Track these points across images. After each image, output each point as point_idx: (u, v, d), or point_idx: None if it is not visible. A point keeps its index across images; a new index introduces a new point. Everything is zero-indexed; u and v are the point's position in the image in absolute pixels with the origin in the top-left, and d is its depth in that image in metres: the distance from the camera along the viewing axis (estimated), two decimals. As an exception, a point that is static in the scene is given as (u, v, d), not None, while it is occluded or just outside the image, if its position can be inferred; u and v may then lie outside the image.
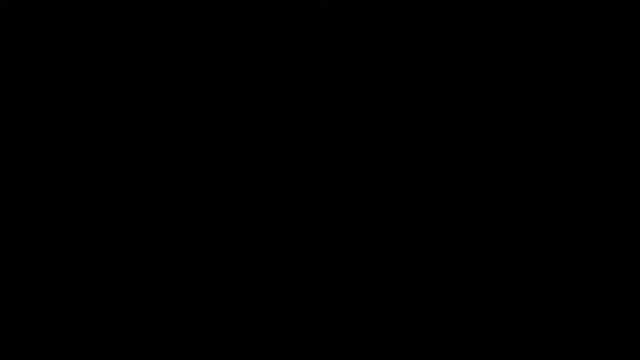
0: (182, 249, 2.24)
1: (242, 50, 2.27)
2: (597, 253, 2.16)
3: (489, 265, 2.18)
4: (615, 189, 2.16)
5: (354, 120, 2.24)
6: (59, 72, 2.26)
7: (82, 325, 2.20)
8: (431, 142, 2.22)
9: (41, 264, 2.22)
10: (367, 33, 2.24)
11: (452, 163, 2.21)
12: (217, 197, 2.26)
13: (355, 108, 2.24)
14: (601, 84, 2.17)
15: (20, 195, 2.24)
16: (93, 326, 2.20)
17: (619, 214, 2.15)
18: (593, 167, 2.17)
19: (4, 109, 2.24)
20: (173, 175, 2.25)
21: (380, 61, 2.24)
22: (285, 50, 2.26)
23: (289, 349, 2.19)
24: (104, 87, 2.27)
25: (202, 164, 2.26)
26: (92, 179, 2.24)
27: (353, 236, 2.22)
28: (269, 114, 2.26)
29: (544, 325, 2.15)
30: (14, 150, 2.24)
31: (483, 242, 2.19)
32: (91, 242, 2.22)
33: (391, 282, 2.20)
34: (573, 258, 2.16)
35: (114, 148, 2.26)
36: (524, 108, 2.20)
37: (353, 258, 2.22)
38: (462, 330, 2.17)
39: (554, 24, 2.19)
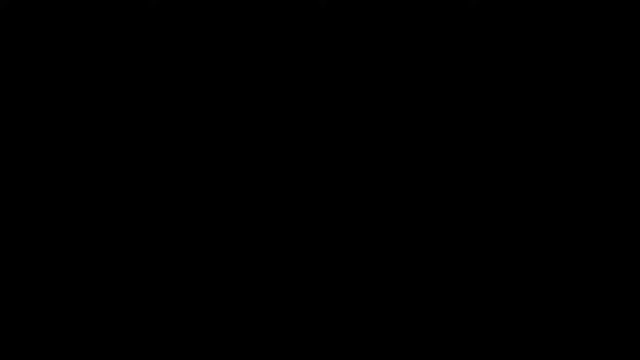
0: (181, 248, 2.24)
1: (242, 50, 2.27)
2: (597, 253, 2.16)
3: (489, 265, 2.18)
4: (615, 189, 2.16)
5: (354, 119, 2.24)
6: (59, 72, 2.26)
7: (80, 325, 2.21)
8: (431, 141, 2.22)
9: (40, 264, 2.22)
10: (367, 33, 2.24)
11: (452, 162, 2.21)
12: (217, 196, 2.26)
13: (355, 108, 2.24)
14: (601, 83, 2.17)
15: (20, 195, 2.24)
16: (91, 326, 2.21)
17: (619, 213, 2.15)
18: (593, 166, 2.17)
19: (4, 108, 2.24)
20: (173, 175, 2.25)
21: (380, 61, 2.24)
22: (285, 50, 2.26)
23: (289, 349, 2.19)
24: (104, 86, 2.27)
25: (202, 164, 2.26)
26: (93, 179, 2.24)
27: (351, 235, 2.22)
28: (269, 113, 2.26)
29: (544, 325, 2.15)
30: (14, 150, 2.24)
31: (483, 242, 2.19)
32: (89, 242, 2.23)
33: (391, 282, 2.20)
34: (573, 258, 2.16)
35: (114, 147, 2.26)
36: (523, 108, 2.20)
37: (352, 258, 2.22)
38: (462, 330, 2.17)
39: (554, 24, 2.19)
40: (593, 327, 2.13)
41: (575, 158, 2.17)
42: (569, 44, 2.18)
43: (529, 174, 2.18)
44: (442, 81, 2.22)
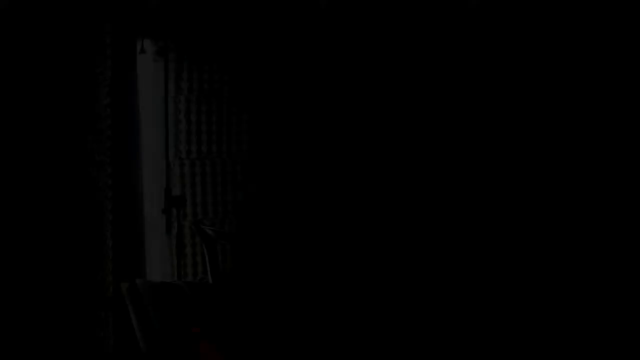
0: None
1: (243, 50, 2.27)
2: (597, 253, 2.16)
3: (488, 265, 2.19)
4: (615, 189, 2.16)
5: (354, 118, 2.24)
6: (59, 71, 2.26)
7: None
8: (431, 140, 2.22)
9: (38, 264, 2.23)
10: (367, 33, 2.24)
11: (452, 161, 2.21)
12: (215, 195, 2.26)
13: (354, 107, 2.24)
14: (600, 83, 2.17)
15: (21, 196, 2.24)
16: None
17: (619, 213, 2.16)
18: (592, 166, 2.17)
19: (3, 108, 2.24)
20: (170, 173, 2.25)
21: (380, 61, 2.24)
22: (285, 49, 2.26)
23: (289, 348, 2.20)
24: (102, 86, 2.27)
25: (201, 162, 2.27)
26: (83, 177, 2.25)
27: (349, 235, 2.23)
28: (268, 112, 2.27)
29: (544, 325, 2.15)
30: (13, 149, 2.24)
31: (483, 242, 2.19)
32: None
33: (393, 282, 2.20)
34: (573, 258, 2.17)
35: (111, 147, 2.26)
36: (523, 107, 2.20)
37: (348, 257, 2.22)
38: (462, 330, 2.17)
39: (554, 24, 2.19)
40: (593, 327, 2.14)
41: (573, 157, 2.18)
42: (568, 43, 2.19)
43: (528, 172, 2.19)
44: (442, 80, 2.22)
